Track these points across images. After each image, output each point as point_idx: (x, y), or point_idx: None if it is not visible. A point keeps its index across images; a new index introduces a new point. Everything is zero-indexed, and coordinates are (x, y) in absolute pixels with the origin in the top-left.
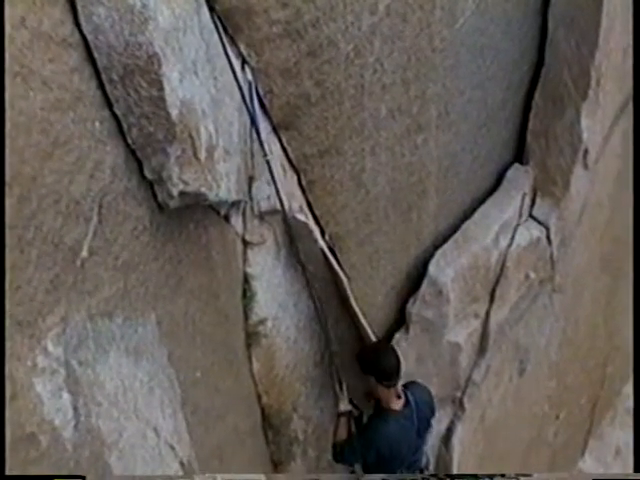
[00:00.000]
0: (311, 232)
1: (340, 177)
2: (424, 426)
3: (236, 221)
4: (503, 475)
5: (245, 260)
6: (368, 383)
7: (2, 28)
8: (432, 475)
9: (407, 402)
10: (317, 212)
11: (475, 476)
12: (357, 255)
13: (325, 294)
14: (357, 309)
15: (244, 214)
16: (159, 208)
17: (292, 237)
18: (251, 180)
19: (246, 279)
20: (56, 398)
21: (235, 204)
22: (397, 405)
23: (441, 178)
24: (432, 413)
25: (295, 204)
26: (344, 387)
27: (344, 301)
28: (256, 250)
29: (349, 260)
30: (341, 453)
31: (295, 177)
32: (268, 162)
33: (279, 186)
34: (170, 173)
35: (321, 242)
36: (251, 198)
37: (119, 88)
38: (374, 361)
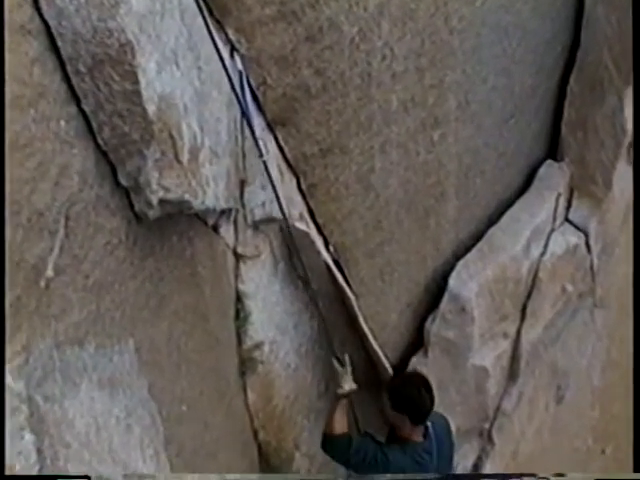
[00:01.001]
0: (313, 243)
1: (345, 179)
2: (445, 463)
3: (226, 232)
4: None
5: (237, 276)
6: (388, 411)
7: (2, 29)
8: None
9: (427, 433)
10: (320, 220)
11: (479, 475)
12: (366, 268)
13: (330, 314)
14: (367, 330)
15: (235, 224)
16: (136, 219)
17: (291, 249)
18: (243, 185)
19: (239, 298)
20: (17, 439)
21: (225, 212)
22: (417, 436)
23: (462, 178)
24: (452, 447)
25: (294, 211)
26: (347, 360)
27: (352, 321)
28: (250, 264)
29: (357, 274)
30: (333, 448)
31: (294, 180)
32: (264, 163)
33: (276, 191)
34: (148, 178)
35: (325, 254)
36: (243, 205)
37: (87, 81)
38: (411, 399)
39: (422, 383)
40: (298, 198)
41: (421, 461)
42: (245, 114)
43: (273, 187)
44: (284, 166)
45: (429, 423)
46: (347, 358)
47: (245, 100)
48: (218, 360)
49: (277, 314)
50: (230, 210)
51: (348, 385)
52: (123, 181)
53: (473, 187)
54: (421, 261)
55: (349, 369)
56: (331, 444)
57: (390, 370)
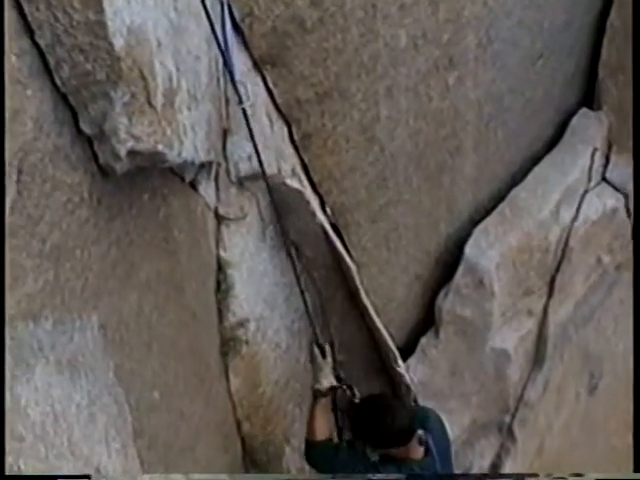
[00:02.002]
0: (307, 203)
1: (345, 129)
2: (447, 468)
3: (206, 189)
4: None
5: (219, 241)
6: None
7: (2, 31)
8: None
9: (428, 447)
10: (315, 177)
11: (485, 475)
12: (369, 234)
13: (327, 286)
14: (369, 305)
15: (217, 180)
16: (101, 173)
17: (282, 210)
18: (226, 134)
19: (220, 267)
20: None
21: (205, 167)
22: (416, 453)
23: (481, 129)
24: (450, 447)
25: (285, 166)
26: (327, 349)
27: (352, 295)
28: (233, 228)
29: (359, 241)
30: (314, 457)
31: (285, 129)
32: (243, 112)
33: (263, 142)
34: (115, 126)
35: (321, 217)
36: (226, 159)
37: (42, 10)
38: (369, 425)
39: (384, 406)
40: (290, 150)
41: None
42: (226, 52)
43: (252, 139)
44: (274, 113)
45: (427, 436)
46: (328, 347)
47: (226, 35)
48: (196, 339)
49: (265, 286)
50: (211, 164)
51: (327, 381)
52: (86, 129)
53: (494, 140)
54: (433, 226)
55: (330, 361)
56: (313, 452)
57: (396, 352)
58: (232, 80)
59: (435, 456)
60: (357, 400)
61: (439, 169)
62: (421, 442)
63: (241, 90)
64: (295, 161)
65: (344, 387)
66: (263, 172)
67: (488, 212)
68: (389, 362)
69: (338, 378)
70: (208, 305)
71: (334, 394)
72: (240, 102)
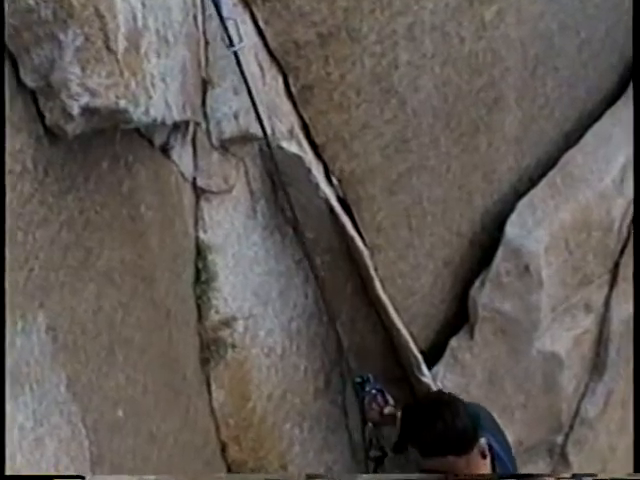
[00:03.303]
0: (308, 172)
1: (356, 78)
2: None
3: (181, 156)
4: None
5: (198, 221)
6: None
7: (2, 34)
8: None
9: (494, 463)
10: (318, 139)
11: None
12: (386, 210)
13: (333, 276)
14: (386, 300)
15: (194, 144)
16: (49, 137)
17: (276, 181)
18: (206, 86)
19: (200, 252)
20: None
21: (179, 128)
22: (481, 468)
23: (526, 78)
24: (510, 450)
25: (281, 126)
26: (370, 433)
27: (364, 286)
28: (216, 204)
29: (373, 218)
30: None
31: (280, 80)
32: (235, 56)
33: (252, 96)
34: (65, 76)
35: (325, 188)
36: (206, 117)
37: None
38: (415, 431)
39: (442, 403)
40: (287, 107)
41: None
42: None
43: (249, 90)
44: (266, 60)
45: (493, 442)
46: (376, 385)
47: None
48: (169, 343)
49: (255, 276)
50: (187, 124)
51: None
52: (28, 81)
53: (542, 91)
54: (465, 199)
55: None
56: None
57: (419, 357)
58: (219, 16)
59: (508, 466)
60: (389, 410)
61: (473, 128)
62: (484, 454)
63: (230, 28)
64: (293, 119)
65: (373, 391)
66: (264, 133)
67: (535, 182)
68: (411, 369)
69: (382, 449)
70: (184, 300)
71: (361, 401)
72: (230, 44)
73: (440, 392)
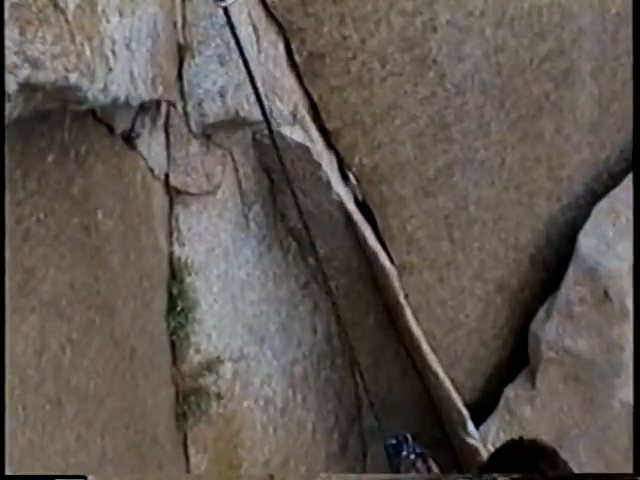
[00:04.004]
0: (318, 167)
1: (382, 42)
2: None
3: (150, 147)
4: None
5: (173, 231)
6: None
7: (2, 28)
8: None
9: None
10: (330, 123)
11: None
12: (420, 216)
13: (351, 303)
14: (420, 335)
15: (168, 131)
16: None
17: (275, 180)
18: (183, 56)
19: (175, 273)
20: None
21: (147, 110)
22: None
23: (606, 42)
24: None
25: (282, 106)
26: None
27: (392, 318)
28: (196, 209)
29: (403, 228)
30: None
31: (281, 46)
32: (225, 12)
33: (248, 66)
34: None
35: (339, 189)
36: (183, 96)
37: None
38: None
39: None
40: (289, 81)
41: None
42: None
43: (243, 59)
44: (262, 19)
45: None
46: (415, 448)
47: None
48: (134, 393)
49: (248, 305)
50: (158, 105)
51: None
52: None
53: (626, 60)
54: (525, 203)
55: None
56: None
57: (464, 412)
58: None
59: None
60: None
61: (535, 109)
62: None
63: None
64: (297, 98)
65: (412, 456)
66: (264, 115)
67: (616, 179)
68: (453, 428)
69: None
70: (154, 337)
71: (395, 469)
72: None
73: (535, 440)
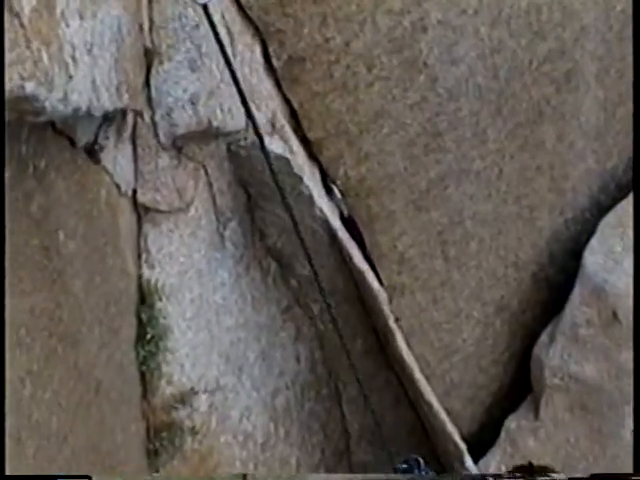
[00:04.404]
0: (299, 180)
1: (367, 45)
2: None
3: (116, 160)
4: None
5: (141, 253)
6: None
7: (2, 28)
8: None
9: None
10: (312, 132)
11: (483, 476)
12: (412, 232)
13: (337, 330)
14: (412, 362)
15: (135, 143)
16: None
17: (253, 195)
18: (150, 61)
19: (145, 298)
20: None
21: (112, 120)
22: None
23: (611, 41)
24: None
25: (259, 115)
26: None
27: (382, 344)
28: (167, 228)
29: (393, 245)
30: None
31: (257, 48)
32: (204, 9)
33: (231, 67)
34: None
35: (323, 204)
36: (151, 105)
37: None
38: None
39: None
40: (266, 87)
41: None
42: None
43: (226, 60)
44: (237, 19)
45: None
46: (428, 471)
47: None
48: (101, 428)
49: (225, 331)
50: (124, 115)
51: None
52: None
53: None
54: (526, 217)
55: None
56: None
57: (461, 445)
58: None
59: None
60: None
61: (535, 115)
62: None
63: None
64: (275, 105)
65: None
66: (254, 124)
67: (624, 190)
68: (450, 462)
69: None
70: (123, 368)
71: None
72: None
73: (545, 467)
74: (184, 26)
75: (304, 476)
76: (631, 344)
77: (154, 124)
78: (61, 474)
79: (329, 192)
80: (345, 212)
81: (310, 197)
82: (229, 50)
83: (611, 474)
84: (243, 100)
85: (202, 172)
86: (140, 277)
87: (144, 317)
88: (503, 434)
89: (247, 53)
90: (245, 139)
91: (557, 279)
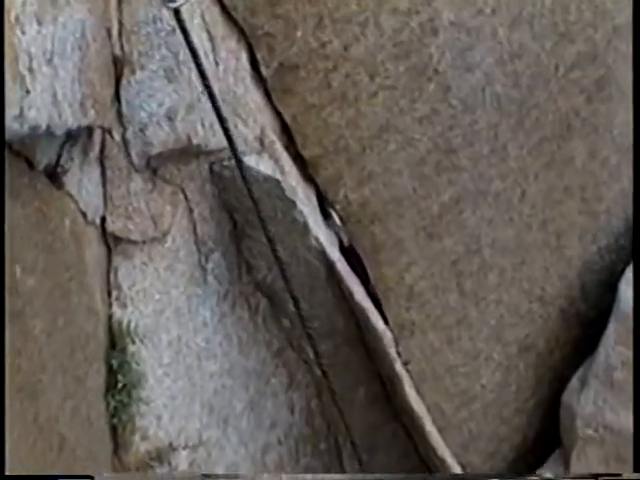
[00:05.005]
0: (292, 205)
1: (370, 49)
2: None
3: (81, 184)
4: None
5: (111, 290)
6: None
7: (2, 27)
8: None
9: None
10: (307, 150)
11: (486, 476)
12: (422, 262)
13: (337, 376)
14: (423, 412)
15: (103, 165)
16: None
17: (239, 221)
18: (121, 71)
19: (115, 341)
20: None
21: (76, 140)
22: None
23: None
24: None
25: (245, 130)
26: None
27: (388, 392)
28: (140, 261)
29: (401, 278)
30: None
31: (244, 55)
32: (176, 16)
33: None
34: None
35: (319, 233)
36: (122, 121)
37: None
38: None
39: None
40: (254, 99)
41: None
42: None
43: (201, 73)
44: (219, 22)
45: None
46: None
47: None
48: None
49: (208, 378)
50: (90, 133)
51: None
52: None
53: None
54: (553, 245)
55: None
56: None
57: None
58: None
59: None
60: None
61: (563, 128)
62: None
63: None
64: (264, 120)
65: None
66: (231, 145)
67: None
68: None
69: None
70: (90, 422)
71: None
72: None
73: None
74: (159, 31)
75: (304, 476)
76: None
77: (125, 143)
78: (64, 474)
79: (327, 218)
80: (345, 241)
81: (305, 224)
82: (211, 57)
83: (612, 474)
84: (220, 118)
85: (181, 196)
86: (110, 317)
87: (114, 363)
88: None
89: (232, 60)
90: (230, 159)
91: (589, 315)
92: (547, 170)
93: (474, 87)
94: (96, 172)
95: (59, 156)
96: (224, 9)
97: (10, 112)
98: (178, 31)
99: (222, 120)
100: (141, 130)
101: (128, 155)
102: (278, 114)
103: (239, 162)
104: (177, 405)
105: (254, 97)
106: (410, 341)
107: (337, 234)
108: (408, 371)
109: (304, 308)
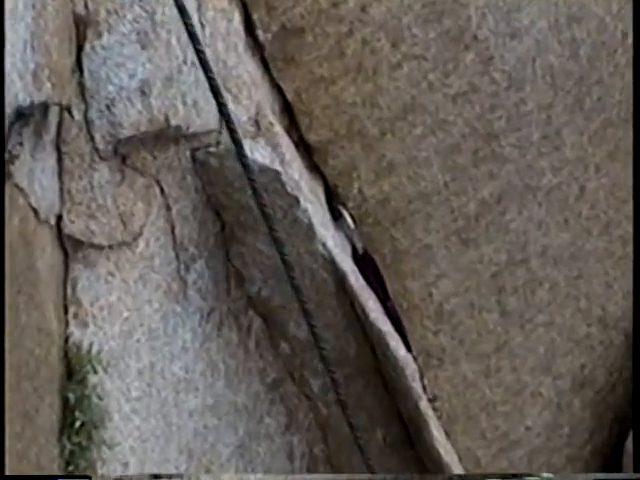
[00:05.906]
0: (295, 201)
1: (391, 11)
2: None
3: (33, 175)
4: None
5: (69, 305)
6: None
7: (2, 28)
8: None
9: None
10: (313, 134)
11: (484, 476)
12: (453, 276)
13: (348, 413)
14: (454, 460)
15: (60, 151)
16: None
17: (228, 221)
18: (84, 35)
19: (73, 369)
20: None
21: (28, 119)
22: None
23: None
24: None
25: (238, 108)
26: None
27: (410, 434)
28: (105, 270)
29: (427, 294)
30: None
31: (236, 16)
32: None
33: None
34: None
35: (328, 237)
36: (84, 97)
37: None
38: None
39: None
40: (249, 70)
41: None
42: None
43: (191, 35)
44: None
45: None
46: None
47: None
48: None
49: (186, 415)
50: (45, 111)
51: None
52: None
53: None
54: (618, 254)
55: None
56: None
57: None
58: None
59: None
60: None
61: (630, 111)
62: None
63: None
64: (262, 96)
65: None
66: (228, 124)
67: None
68: None
69: None
70: (40, 467)
71: None
72: None
73: None
74: None
75: (304, 476)
76: None
77: (88, 123)
78: (64, 474)
79: (337, 219)
80: (359, 247)
81: (309, 226)
82: (195, 17)
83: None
84: (214, 91)
85: (156, 190)
86: (66, 340)
87: (72, 397)
88: None
89: (221, 22)
90: (217, 144)
91: None
92: (611, 161)
93: (522, 58)
94: (51, 160)
95: (6, 140)
96: None
97: None
98: None
99: (217, 95)
100: (108, 108)
101: (91, 139)
102: (278, 89)
103: (239, 147)
104: (148, 449)
105: (248, 68)
106: (438, 372)
107: (349, 239)
108: (436, 410)
109: (306, 332)
